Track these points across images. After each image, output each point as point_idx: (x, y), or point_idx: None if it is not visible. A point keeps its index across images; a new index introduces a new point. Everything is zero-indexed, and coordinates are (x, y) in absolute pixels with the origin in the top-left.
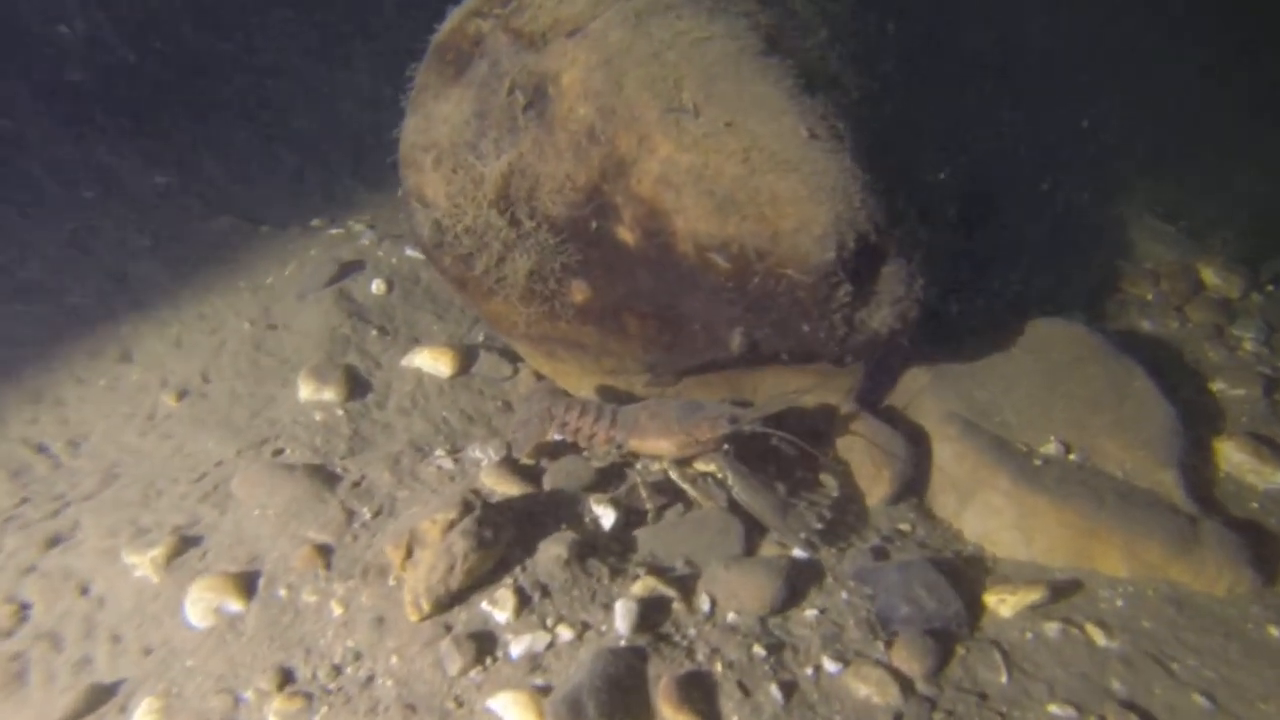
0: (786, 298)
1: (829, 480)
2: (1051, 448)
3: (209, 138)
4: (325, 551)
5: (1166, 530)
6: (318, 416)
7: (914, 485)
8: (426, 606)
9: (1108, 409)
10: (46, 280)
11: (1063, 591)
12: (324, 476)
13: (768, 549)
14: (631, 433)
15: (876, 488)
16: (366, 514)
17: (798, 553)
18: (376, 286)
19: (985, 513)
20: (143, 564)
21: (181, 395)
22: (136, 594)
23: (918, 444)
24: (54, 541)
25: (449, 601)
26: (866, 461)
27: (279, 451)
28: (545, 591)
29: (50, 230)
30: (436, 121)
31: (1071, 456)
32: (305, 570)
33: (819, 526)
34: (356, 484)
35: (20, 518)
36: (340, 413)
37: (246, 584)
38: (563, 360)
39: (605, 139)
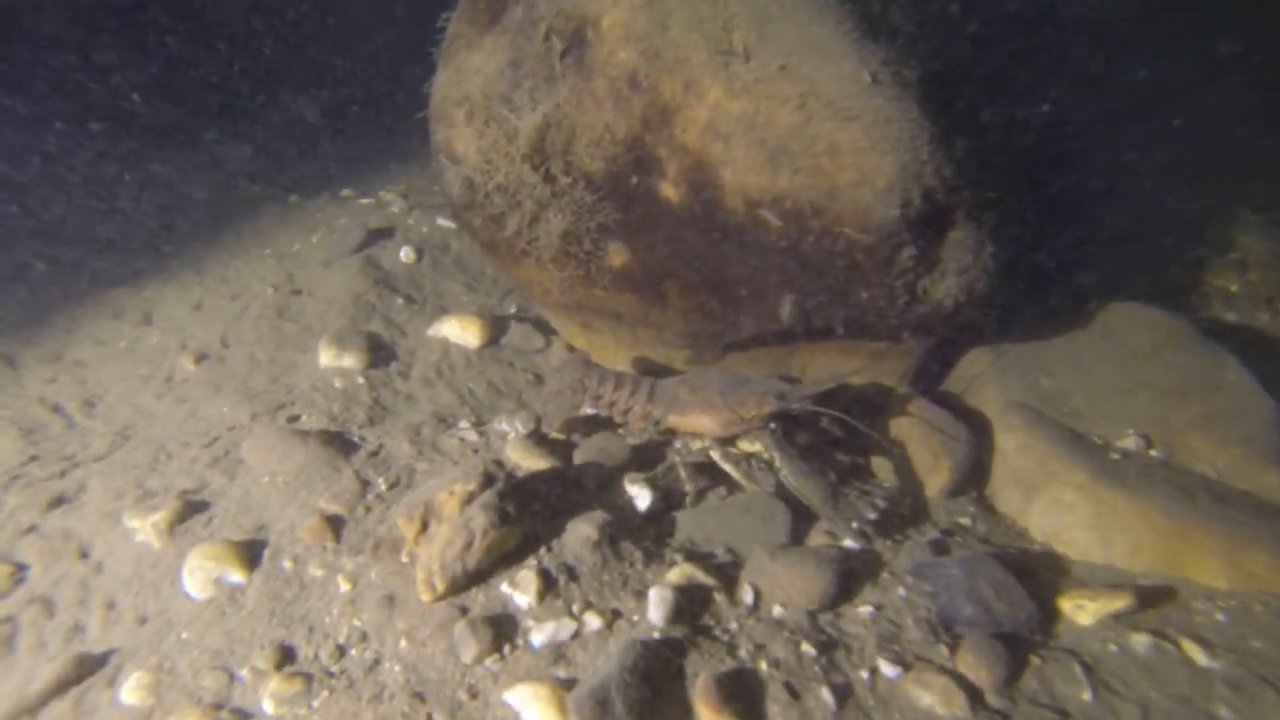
0: (844, 260)
1: (884, 466)
2: (1130, 442)
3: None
4: (335, 523)
5: (1276, 537)
6: (337, 384)
7: (974, 477)
8: (440, 586)
9: (1196, 401)
10: (72, 244)
11: (1151, 600)
12: (340, 444)
13: (816, 538)
14: (670, 408)
15: (934, 478)
16: (382, 485)
17: (849, 543)
18: (405, 254)
19: (1055, 509)
20: (144, 528)
21: (200, 359)
22: (136, 560)
23: (979, 432)
24: (58, 502)
25: (466, 581)
26: (924, 449)
27: (295, 418)
28: (572, 575)
29: (75, 198)
30: (469, 73)
31: (1153, 452)
32: (313, 542)
33: (873, 516)
34: (374, 453)
35: (26, 476)
36: (361, 380)
37: (249, 554)
38: (598, 331)
39: (648, 85)
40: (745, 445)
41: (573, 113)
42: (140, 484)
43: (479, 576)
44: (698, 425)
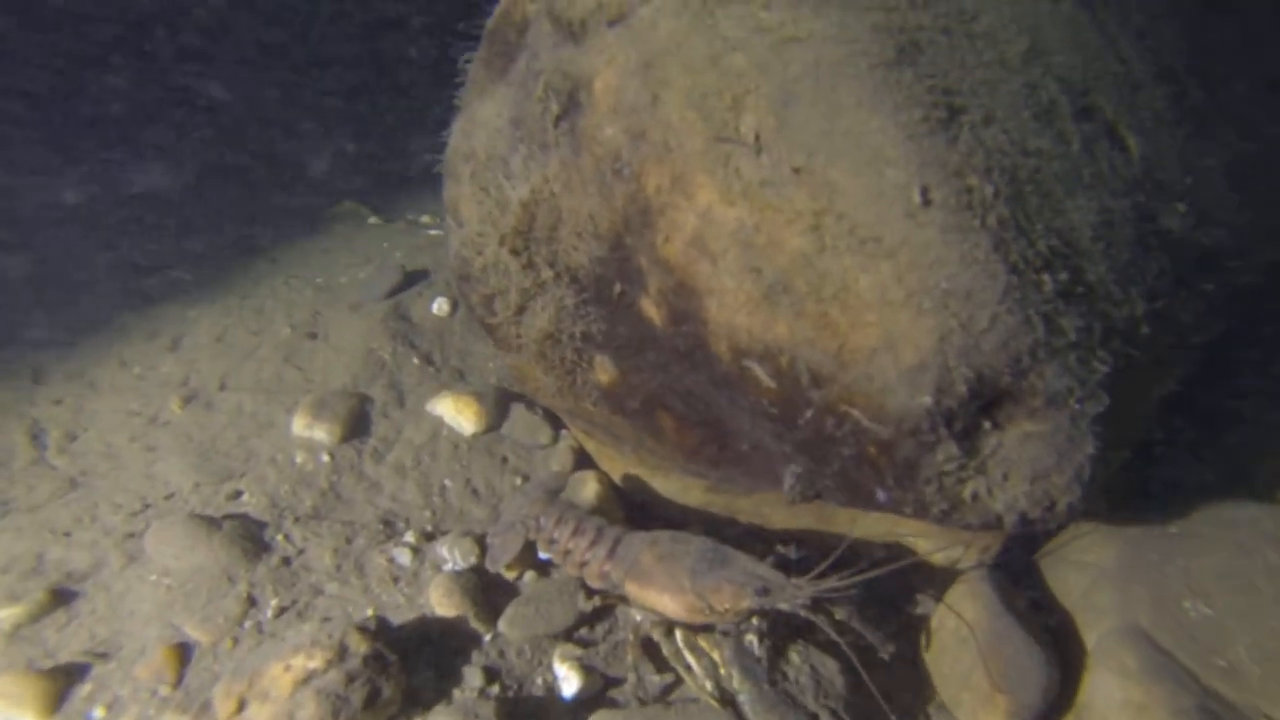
0: (851, 449)
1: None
2: None
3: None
4: (184, 657)
5: None
6: (298, 458)
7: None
8: None
9: None
10: (159, 252)
11: None
12: (251, 543)
13: None
14: (630, 573)
15: (985, 715)
16: (269, 611)
17: None
18: (438, 306)
19: None
20: None
21: (188, 401)
22: None
23: (1065, 655)
24: None
25: None
26: (977, 669)
27: (237, 494)
28: None
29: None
30: (478, 125)
31: None
32: (145, 682)
33: None
34: (285, 561)
35: None
36: (325, 459)
37: (58, 691)
38: (602, 442)
39: (631, 173)
40: (705, 643)
41: (560, 192)
42: (41, 555)
43: None
44: (657, 604)
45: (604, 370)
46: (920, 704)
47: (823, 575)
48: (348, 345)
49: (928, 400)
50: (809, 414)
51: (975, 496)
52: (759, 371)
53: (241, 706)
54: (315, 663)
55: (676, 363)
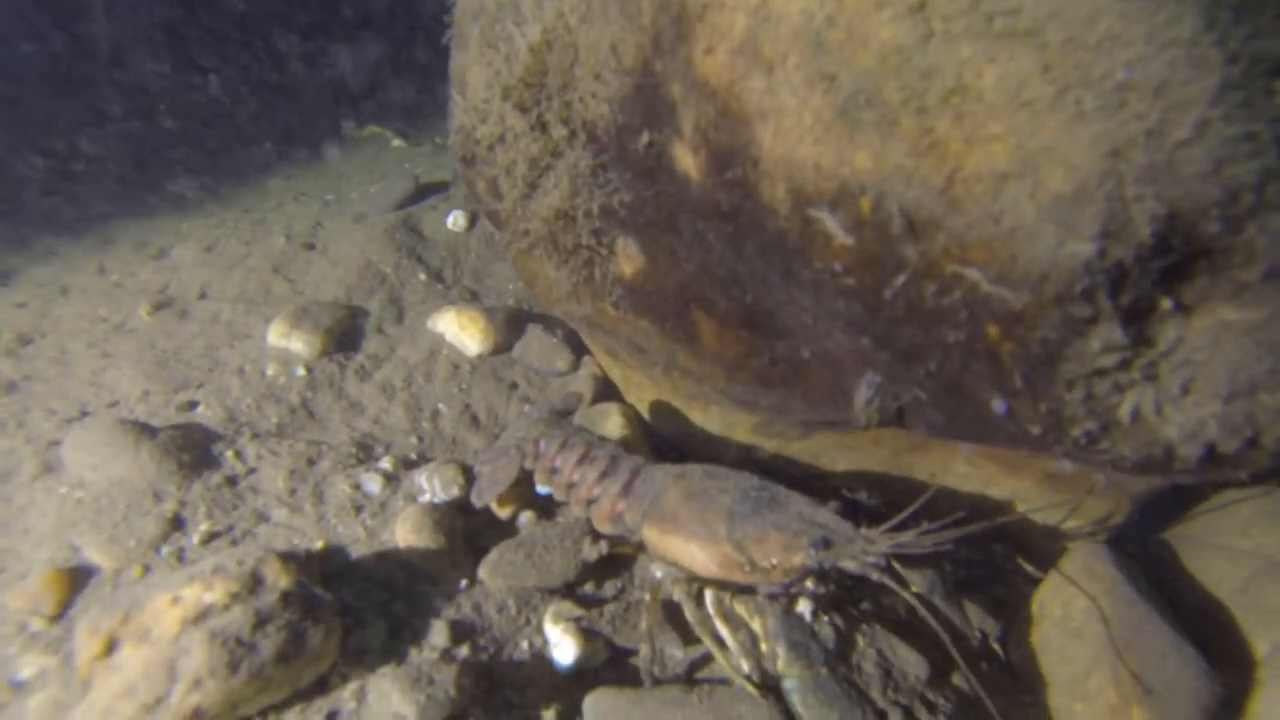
0: (960, 332)
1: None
2: None
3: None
4: (75, 585)
5: None
6: (269, 371)
7: None
8: None
9: None
10: (162, 159)
11: None
12: (190, 457)
13: None
14: (649, 515)
15: None
16: (195, 536)
17: None
18: (453, 220)
19: None
20: None
21: (159, 308)
22: None
23: (1232, 662)
24: None
25: None
26: (1098, 670)
27: (191, 405)
28: None
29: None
30: None
31: None
32: (14, 612)
33: None
34: (230, 481)
35: None
36: (300, 372)
37: None
38: (628, 365)
39: None
40: (744, 610)
41: (577, 25)
42: None
43: None
44: (683, 556)
45: (627, 257)
46: (1016, 709)
47: (902, 526)
48: (345, 257)
49: (1088, 249)
50: (901, 280)
51: (1136, 415)
52: (830, 224)
53: (110, 648)
54: (214, 595)
55: (717, 231)
